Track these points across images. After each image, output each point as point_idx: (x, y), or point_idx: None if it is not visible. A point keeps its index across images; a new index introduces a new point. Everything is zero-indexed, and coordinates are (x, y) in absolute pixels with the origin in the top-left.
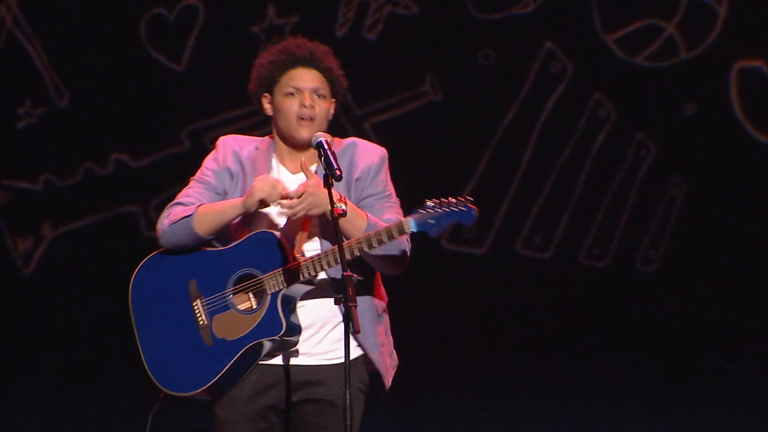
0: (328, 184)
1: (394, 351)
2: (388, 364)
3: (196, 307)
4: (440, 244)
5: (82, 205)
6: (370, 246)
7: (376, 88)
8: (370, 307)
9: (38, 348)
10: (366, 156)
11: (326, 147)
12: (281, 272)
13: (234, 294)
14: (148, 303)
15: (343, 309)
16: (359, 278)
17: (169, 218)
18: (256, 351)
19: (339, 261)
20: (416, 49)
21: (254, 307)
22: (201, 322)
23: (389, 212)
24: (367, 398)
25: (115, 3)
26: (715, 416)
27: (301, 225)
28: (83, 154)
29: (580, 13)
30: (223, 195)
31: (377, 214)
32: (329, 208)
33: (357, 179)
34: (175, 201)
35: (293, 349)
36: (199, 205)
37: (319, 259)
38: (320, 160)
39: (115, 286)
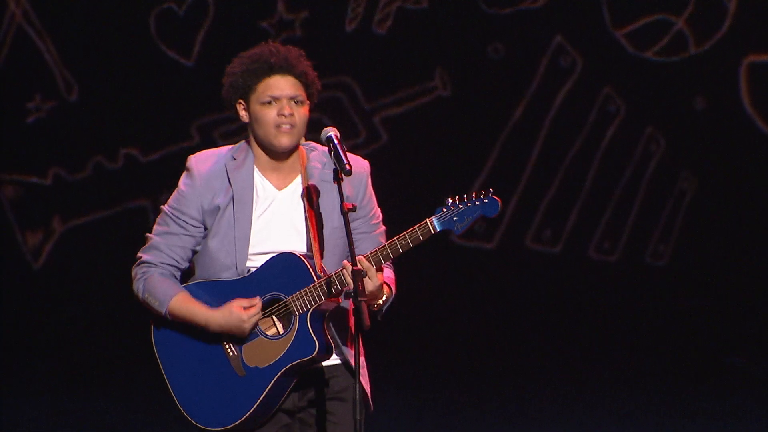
0: (337, 179)
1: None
2: (367, 387)
3: (224, 338)
4: (449, 239)
5: (92, 200)
6: (397, 252)
7: (385, 83)
8: (346, 328)
9: (47, 342)
10: (356, 173)
11: (336, 142)
12: (307, 291)
13: (260, 320)
14: (172, 341)
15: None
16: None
17: (141, 288)
18: (291, 374)
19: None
20: (426, 43)
21: (282, 331)
22: (230, 354)
23: (382, 236)
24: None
25: None
26: (725, 412)
27: (314, 242)
28: (93, 148)
29: (590, 8)
30: (199, 229)
31: (373, 240)
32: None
33: (347, 198)
34: (143, 258)
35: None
36: (172, 297)
37: (342, 273)
38: (330, 155)
39: (124, 280)
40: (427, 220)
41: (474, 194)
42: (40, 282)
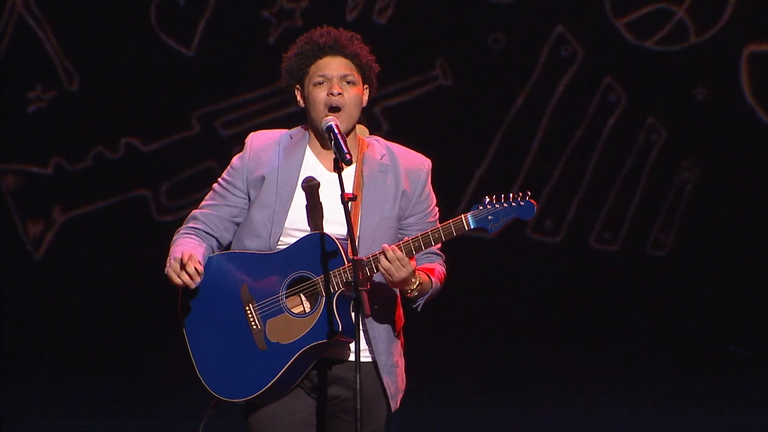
0: (338, 169)
1: (404, 374)
2: (399, 386)
3: (248, 312)
4: None
5: (93, 190)
6: (429, 244)
7: (386, 73)
8: (387, 326)
9: (49, 332)
10: (414, 168)
11: (336, 131)
12: (337, 273)
13: (287, 297)
14: (198, 310)
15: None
16: (381, 297)
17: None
18: (312, 353)
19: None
20: (426, 33)
21: (308, 309)
22: (254, 327)
23: None
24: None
25: None
26: (726, 401)
27: (355, 228)
28: (93, 138)
29: None
30: (243, 199)
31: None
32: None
33: (404, 191)
34: (189, 219)
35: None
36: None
37: (375, 258)
38: (330, 144)
39: (125, 270)
40: (462, 216)
41: (512, 195)
42: (41, 272)
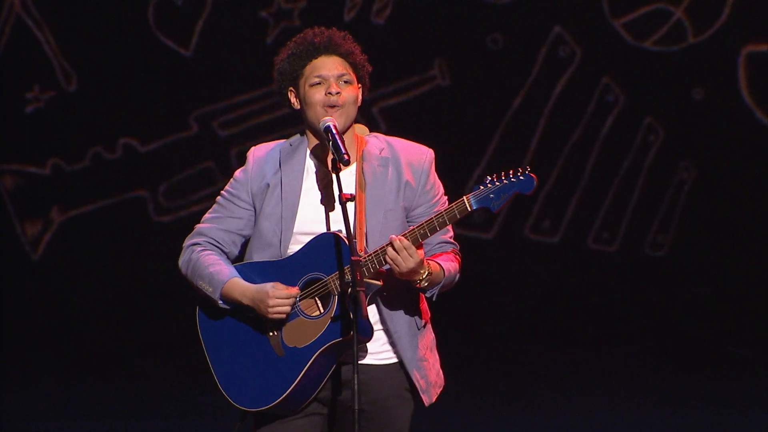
0: (336, 169)
1: (441, 369)
2: (430, 380)
3: (264, 319)
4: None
5: (91, 190)
6: (434, 230)
7: (384, 73)
8: (409, 320)
9: (47, 332)
10: (416, 159)
11: (334, 132)
12: (346, 271)
13: (301, 300)
14: (216, 323)
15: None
16: (399, 291)
17: (191, 274)
18: (330, 356)
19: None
20: (424, 33)
21: (322, 310)
22: (270, 333)
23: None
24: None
25: None
26: (725, 401)
27: (358, 224)
28: (91, 138)
29: None
30: (248, 211)
31: None
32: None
33: (407, 183)
34: (194, 235)
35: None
36: (223, 283)
37: (382, 251)
38: (328, 144)
39: (124, 270)
40: (464, 197)
41: (511, 171)
42: (40, 272)
